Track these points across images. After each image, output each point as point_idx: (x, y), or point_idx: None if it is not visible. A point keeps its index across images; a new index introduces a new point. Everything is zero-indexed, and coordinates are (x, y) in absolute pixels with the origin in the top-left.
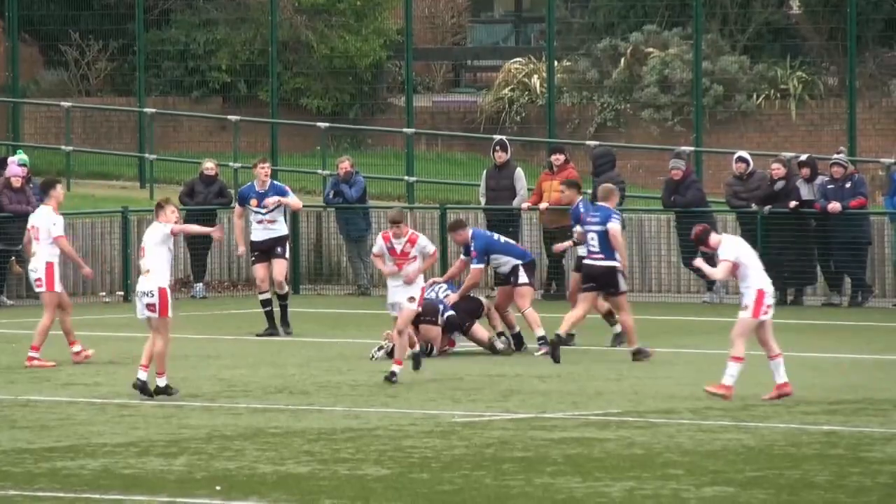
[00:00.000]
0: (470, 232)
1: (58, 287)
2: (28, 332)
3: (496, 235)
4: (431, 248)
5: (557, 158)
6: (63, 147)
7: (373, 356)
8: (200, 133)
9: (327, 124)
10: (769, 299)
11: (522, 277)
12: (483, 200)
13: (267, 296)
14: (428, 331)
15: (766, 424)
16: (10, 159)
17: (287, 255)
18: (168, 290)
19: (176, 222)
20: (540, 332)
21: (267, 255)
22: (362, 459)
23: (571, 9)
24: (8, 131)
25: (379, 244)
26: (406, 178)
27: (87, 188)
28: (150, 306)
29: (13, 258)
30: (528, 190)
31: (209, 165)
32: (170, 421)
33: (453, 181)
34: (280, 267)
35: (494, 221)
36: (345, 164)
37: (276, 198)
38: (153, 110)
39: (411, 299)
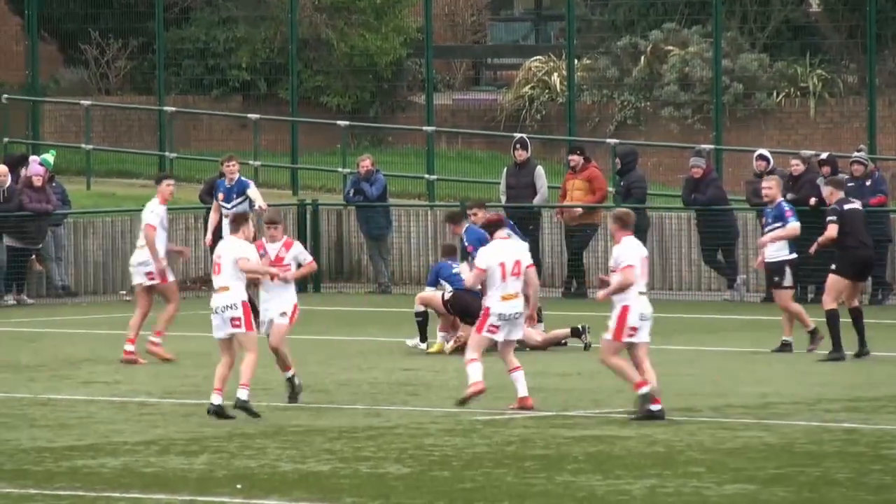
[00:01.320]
0: (463, 227)
1: (170, 277)
2: (47, 331)
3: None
4: (308, 256)
5: (573, 159)
6: (83, 146)
7: (418, 346)
8: (220, 131)
9: (347, 122)
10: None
11: None
12: (503, 198)
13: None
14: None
15: (787, 422)
16: (31, 158)
17: None
18: (249, 304)
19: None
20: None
21: None
22: (383, 458)
23: (591, 7)
24: (28, 130)
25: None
26: (426, 176)
27: (107, 187)
28: (234, 320)
29: (33, 257)
30: (551, 189)
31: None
32: (190, 419)
33: (473, 179)
34: None
35: (514, 219)
36: (365, 163)
37: (258, 204)
38: (173, 109)
39: (283, 314)
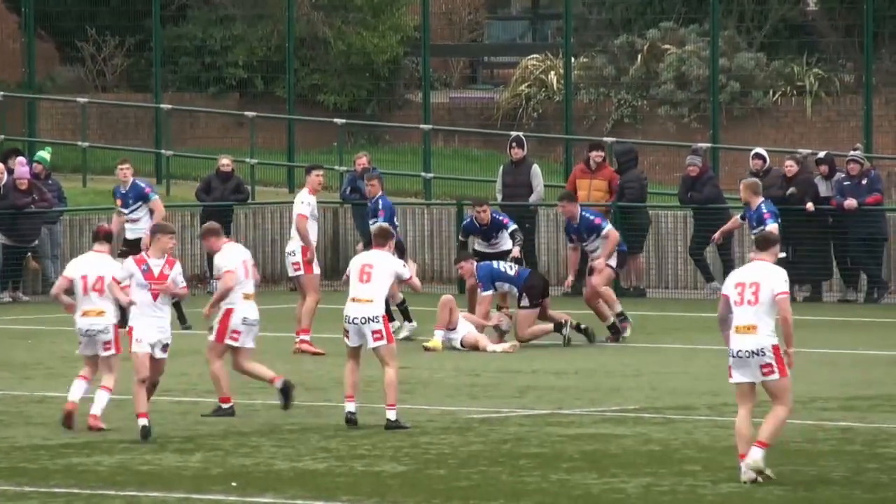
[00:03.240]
0: (473, 265)
1: (315, 269)
2: (43, 329)
3: (496, 264)
4: (184, 281)
5: (598, 155)
6: (79, 143)
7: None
8: (217, 129)
9: (344, 121)
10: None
11: (524, 301)
12: (499, 197)
13: None
14: (526, 317)
15: None
16: (19, 159)
17: None
18: (387, 317)
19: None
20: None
21: (133, 254)
22: (379, 456)
23: (588, 5)
24: (24, 127)
25: (127, 269)
26: (423, 174)
27: (103, 184)
28: (376, 333)
29: (29, 255)
30: (547, 187)
31: (225, 162)
32: (186, 417)
33: (470, 177)
34: None
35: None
36: (362, 161)
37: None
38: (170, 106)
39: (165, 348)
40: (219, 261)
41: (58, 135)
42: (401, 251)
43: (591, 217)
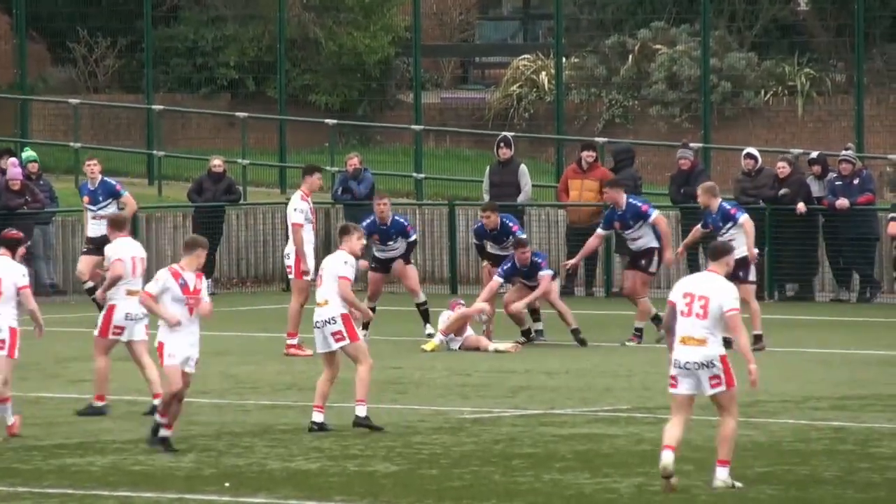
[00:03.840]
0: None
1: (307, 274)
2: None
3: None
4: (207, 296)
5: (590, 155)
6: (71, 144)
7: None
8: (209, 130)
9: (335, 121)
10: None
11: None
12: (486, 197)
13: (90, 284)
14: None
15: (775, 420)
16: (11, 161)
17: None
18: (350, 316)
19: (361, 251)
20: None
21: (99, 251)
22: (371, 456)
23: (579, 5)
24: (16, 128)
25: (162, 282)
26: (414, 174)
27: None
28: (336, 335)
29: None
30: (539, 187)
31: (217, 162)
32: (178, 418)
33: (461, 178)
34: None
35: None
36: (353, 161)
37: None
38: (161, 107)
39: (194, 363)
40: (109, 251)
41: (49, 136)
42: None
43: (639, 204)
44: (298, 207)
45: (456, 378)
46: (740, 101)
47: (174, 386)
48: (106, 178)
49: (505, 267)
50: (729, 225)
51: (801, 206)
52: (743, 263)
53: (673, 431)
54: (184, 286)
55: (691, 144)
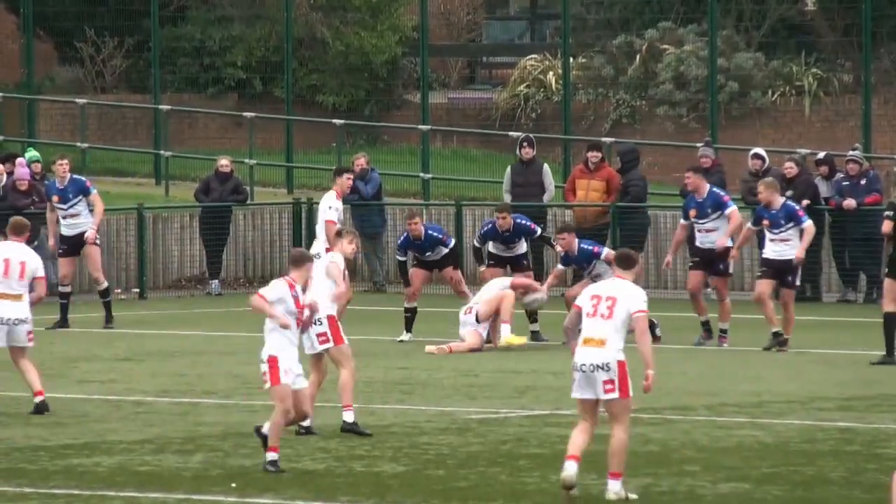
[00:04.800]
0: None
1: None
2: (42, 330)
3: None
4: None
5: (595, 155)
6: (78, 144)
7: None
8: (216, 130)
9: (343, 121)
10: None
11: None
12: (508, 197)
13: (67, 289)
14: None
15: (782, 421)
16: (18, 160)
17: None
18: (336, 318)
19: (352, 253)
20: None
21: (75, 250)
22: (378, 456)
23: (587, 5)
24: (23, 128)
25: (279, 292)
26: (421, 174)
27: (102, 185)
28: (321, 336)
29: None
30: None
31: (224, 162)
32: (185, 418)
33: (469, 178)
34: (93, 261)
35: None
36: (360, 161)
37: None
38: (168, 107)
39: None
40: None
41: (56, 136)
42: (454, 257)
43: (721, 194)
44: (333, 206)
45: (462, 378)
46: (747, 101)
47: (287, 405)
48: (76, 176)
49: (562, 257)
50: (790, 225)
51: (804, 202)
52: (793, 268)
53: (576, 439)
54: (296, 299)
55: (710, 143)
